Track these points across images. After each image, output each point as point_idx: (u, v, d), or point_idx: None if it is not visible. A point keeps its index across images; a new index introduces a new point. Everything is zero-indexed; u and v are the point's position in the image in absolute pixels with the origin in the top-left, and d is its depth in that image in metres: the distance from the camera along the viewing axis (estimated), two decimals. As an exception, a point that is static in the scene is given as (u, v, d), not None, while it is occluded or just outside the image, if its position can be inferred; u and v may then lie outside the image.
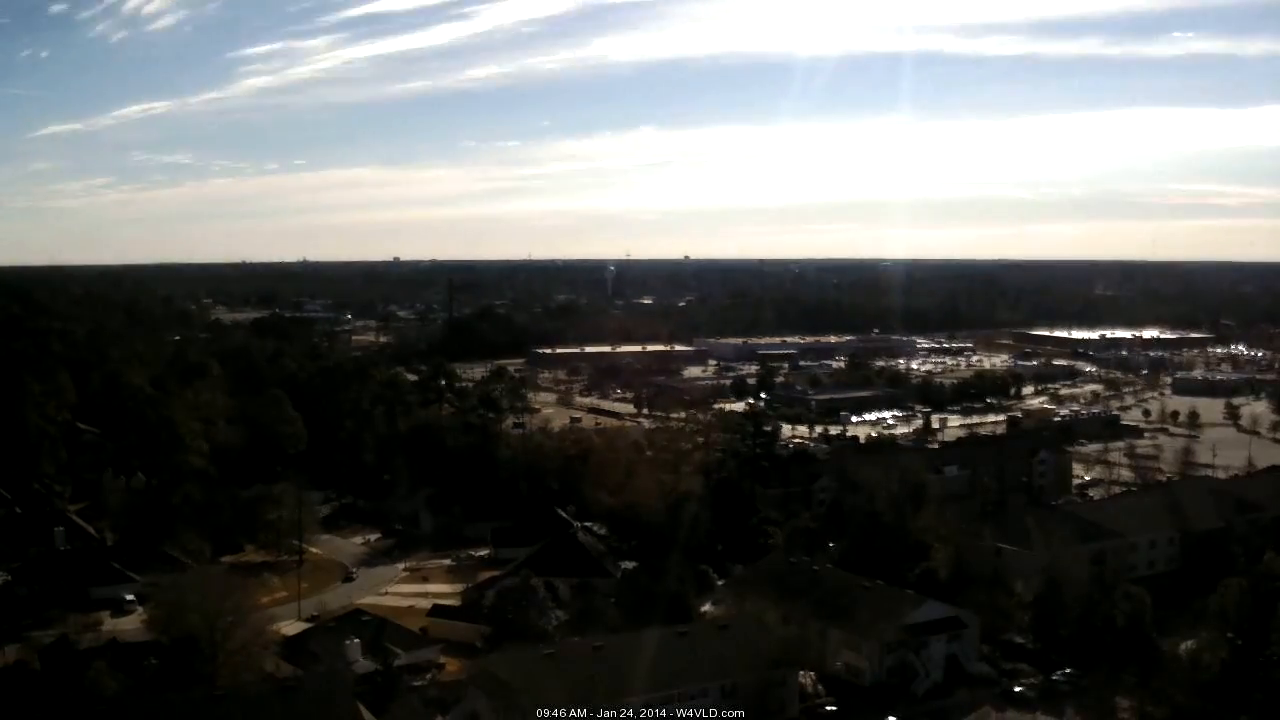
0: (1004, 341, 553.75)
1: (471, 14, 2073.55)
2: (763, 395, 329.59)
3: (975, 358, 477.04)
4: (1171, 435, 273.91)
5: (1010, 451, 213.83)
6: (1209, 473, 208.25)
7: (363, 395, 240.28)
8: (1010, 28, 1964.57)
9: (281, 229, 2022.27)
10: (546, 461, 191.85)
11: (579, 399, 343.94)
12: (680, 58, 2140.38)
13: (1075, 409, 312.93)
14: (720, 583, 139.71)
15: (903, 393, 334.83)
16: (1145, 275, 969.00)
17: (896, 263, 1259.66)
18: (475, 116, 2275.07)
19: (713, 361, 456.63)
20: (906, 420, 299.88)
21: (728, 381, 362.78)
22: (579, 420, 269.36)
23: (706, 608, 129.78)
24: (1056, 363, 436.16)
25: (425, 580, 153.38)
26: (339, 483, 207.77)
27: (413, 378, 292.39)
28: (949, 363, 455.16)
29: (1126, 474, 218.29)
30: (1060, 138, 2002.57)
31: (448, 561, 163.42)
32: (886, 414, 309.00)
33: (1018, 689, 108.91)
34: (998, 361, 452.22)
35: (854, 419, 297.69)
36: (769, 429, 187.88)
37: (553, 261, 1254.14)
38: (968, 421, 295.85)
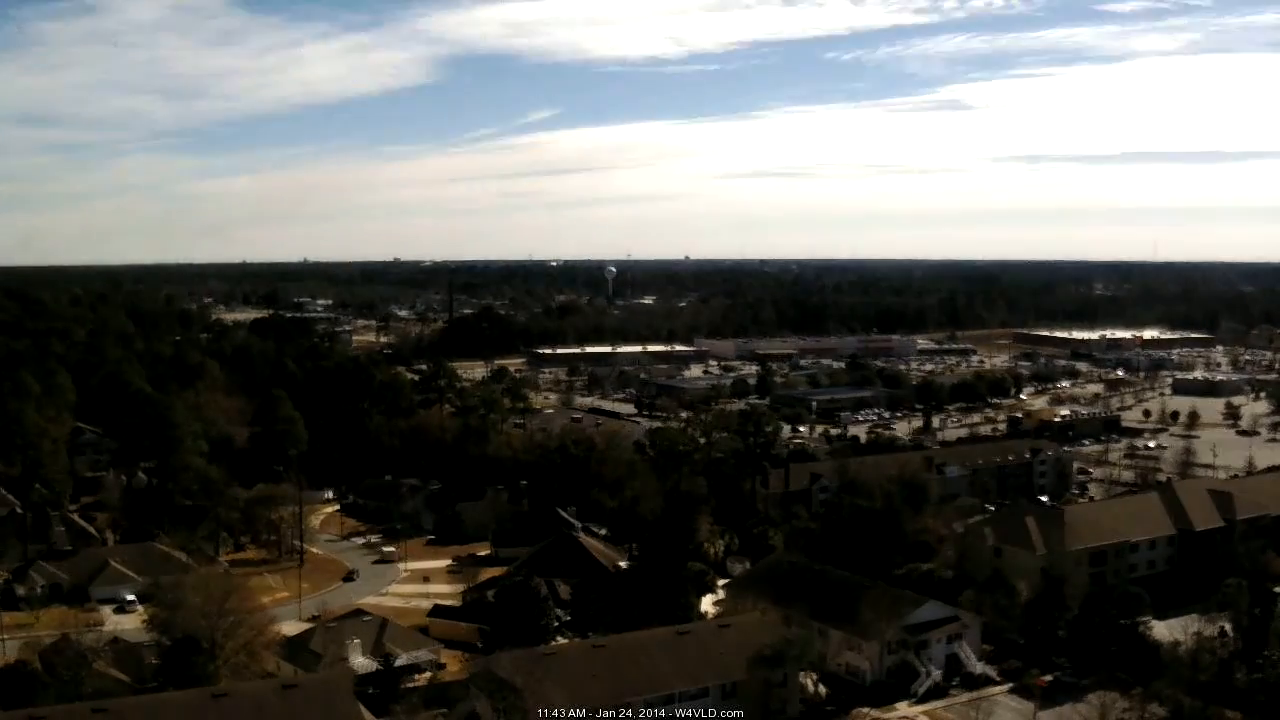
0: (1004, 341, 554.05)
1: None
2: (763, 395, 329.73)
3: (975, 358, 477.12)
4: (1171, 435, 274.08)
5: (1010, 451, 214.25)
6: (1209, 473, 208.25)
7: (363, 395, 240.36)
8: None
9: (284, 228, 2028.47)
10: (547, 461, 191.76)
11: (579, 399, 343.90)
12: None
13: (1075, 409, 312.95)
14: (721, 583, 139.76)
15: (903, 393, 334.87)
16: (1145, 275, 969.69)
17: (897, 263, 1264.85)
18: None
19: (713, 361, 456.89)
20: (906, 420, 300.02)
21: (728, 381, 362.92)
22: (579, 420, 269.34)
23: (707, 608, 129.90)
24: (1057, 363, 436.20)
25: (426, 580, 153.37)
26: (340, 482, 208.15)
27: (413, 377, 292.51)
28: (949, 363, 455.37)
29: (1126, 474, 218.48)
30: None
31: (448, 561, 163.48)
32: (886, 414, 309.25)
33: (1018, 689, 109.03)
34: (998, 361, 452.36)
35: (854, 419, 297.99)
36: (769, 429, 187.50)
37: (552, 261, 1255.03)
38: (968, 422, 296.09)
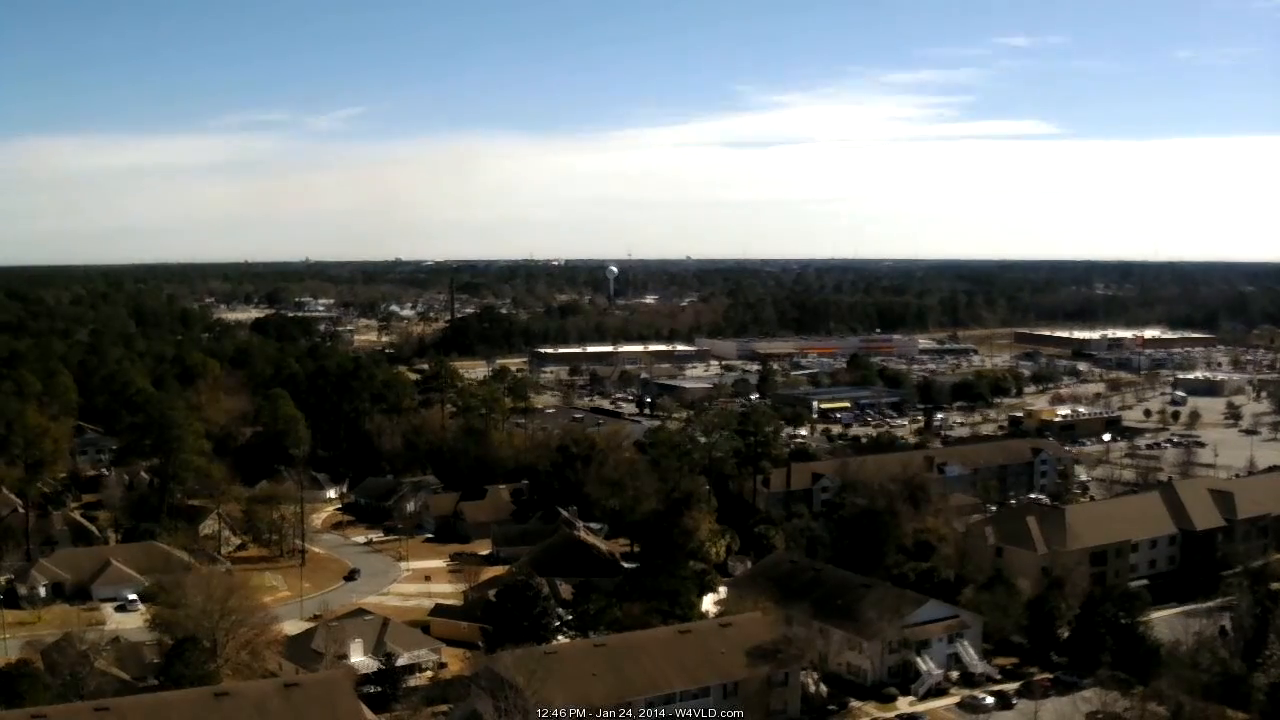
0: (1005, 341, 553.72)
1: None
2: (764, 395, 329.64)
3: (976, 357, 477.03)
4: (1172, 435, 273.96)
5: (1012, 451, 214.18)
6: (1209, 473, 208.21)
7: (364, 395, 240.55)
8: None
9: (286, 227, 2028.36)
10: (548, 461, 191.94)
11: (580, 398, 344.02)
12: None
13: (1077, 409, 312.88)
14: (722, 582, 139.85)
15: (903, 393, 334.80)
16: (1145, 275, 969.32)
17: (897, 263, 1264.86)
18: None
19: (713, 361, 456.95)
20: (908, 420, 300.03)
21: (729, 381, 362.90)
22: (580, 420, 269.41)
23: (708, 607, 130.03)
24: (1058, 362, 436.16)
25: (427, 579, 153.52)
26: (341, 481, 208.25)
27: (414, 377, 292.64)
28: (950, 362, 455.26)
29: (1127, 474, 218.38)
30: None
31: (449, 560, 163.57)
32: (887, 414, 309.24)
33: (1017, 688, 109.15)
34: (999, 361, 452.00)
35: (854, 418, 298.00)
36: (769, 429, 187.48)
37: (553, 262, 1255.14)
38: (969, 421, 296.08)
